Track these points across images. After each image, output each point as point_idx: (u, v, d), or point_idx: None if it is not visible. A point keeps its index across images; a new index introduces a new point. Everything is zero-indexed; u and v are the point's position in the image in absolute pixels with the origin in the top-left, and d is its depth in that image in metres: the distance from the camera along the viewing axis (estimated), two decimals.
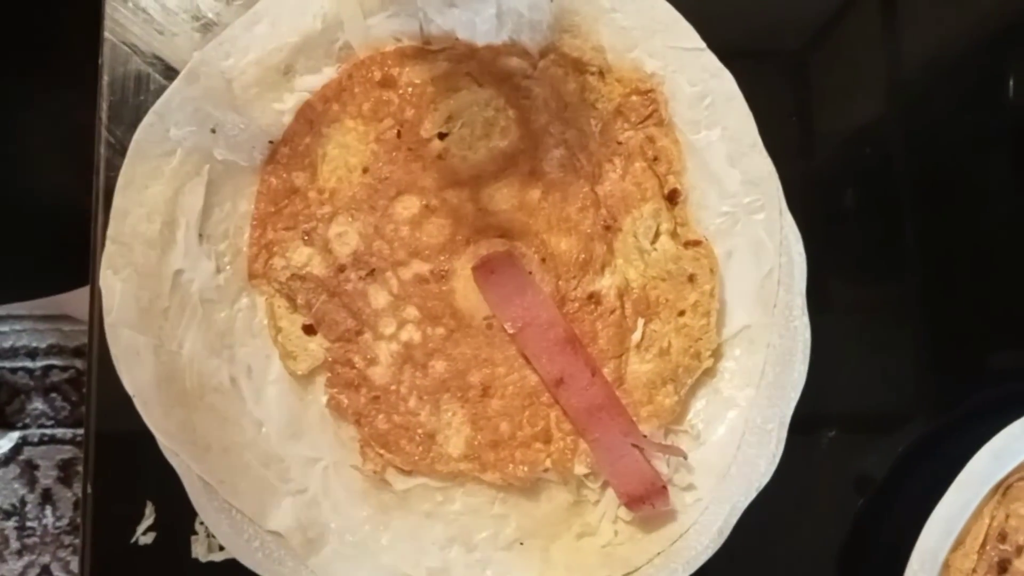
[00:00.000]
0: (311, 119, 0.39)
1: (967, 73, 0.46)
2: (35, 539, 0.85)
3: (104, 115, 0.42)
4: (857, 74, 0.46)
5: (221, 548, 0.39)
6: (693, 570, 0.38)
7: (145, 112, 0.39)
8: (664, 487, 0.38)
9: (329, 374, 0.40)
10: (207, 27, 0.42)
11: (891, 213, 0.45)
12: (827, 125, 0.46)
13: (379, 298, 0.40)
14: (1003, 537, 0.39)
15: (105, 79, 0.42)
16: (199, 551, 0.39)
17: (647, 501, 0.38)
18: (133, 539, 0.39)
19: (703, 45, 0.40)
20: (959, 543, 0.39)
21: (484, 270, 0.40)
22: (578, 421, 0.39)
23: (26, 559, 0.84)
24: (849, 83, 0.46)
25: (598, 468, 0.39)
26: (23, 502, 0.86)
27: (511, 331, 0.39)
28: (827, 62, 0.46)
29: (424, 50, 0.40)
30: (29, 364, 0.90)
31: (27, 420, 0.88)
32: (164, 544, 0.39)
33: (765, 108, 0.40)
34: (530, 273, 0.40)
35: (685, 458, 0.39)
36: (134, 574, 0.40)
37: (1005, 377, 0.43)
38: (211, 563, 0.39)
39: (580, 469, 0.39)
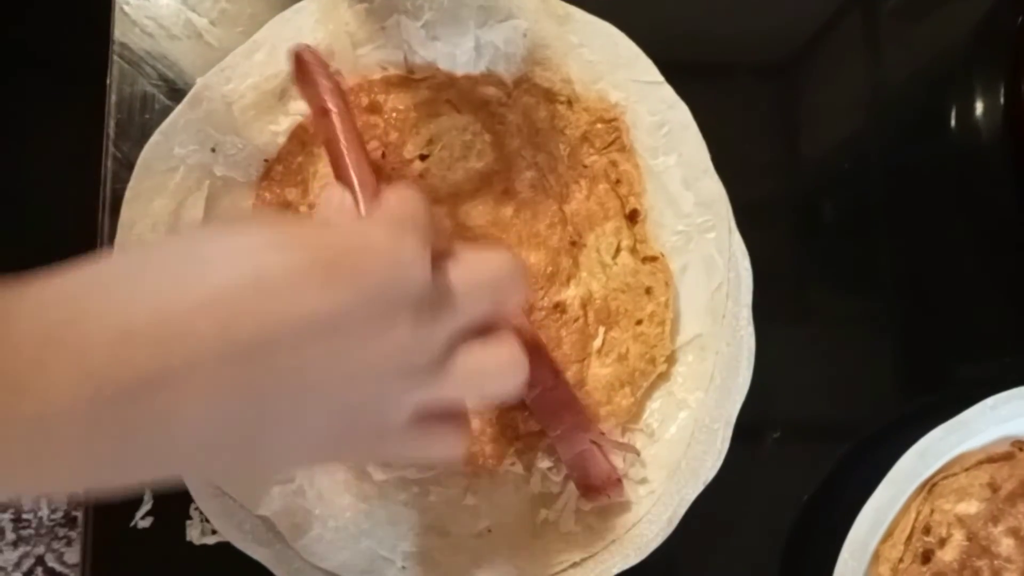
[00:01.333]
0: (303, 140, 0.43)
1: (905, 113, 0.50)
2: (30, 531, 0.88)
3: (111, 131, 0.45)
4: (811, 104, 0.50)
5: (214, 532, 0.42)
6: (645, 555, 0.41)
7: (150, 129, 0.42)
8: (619, 480, 0.42)
9: None
10: (209, 49, 0.45)
11: (835, 233, 0.49)
12: (779, 149, 0.50)
13: None
14: (927, 530, 0.43)
15: (113, 99, 0.45)
16: (193, 535, 0.42)
17: (604, 492, 0.41)
18: (132, 523, 0.42)
19: (661, 79, 0.44)
20: (888, 535, 0.43)
21: None
22: (543, 419, 0.42)
23: (21, 550, 0.86)
24: (802, 112, 0.50)
25: (560, 462, 0.43)
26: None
27: None
28: (783, 92, 0.50)
29: (408, 79, 0.44)
30: None
31: None
32: (161, 528, 0.42)
33: (719, 132, 0.44)
34: None
35: (638, 455, 0.42)
36: (133, 555, 0.43)
37: (930, 387, 0.47)
38: (204, 545, 0.42)
39: (544, 463, 0.43)
